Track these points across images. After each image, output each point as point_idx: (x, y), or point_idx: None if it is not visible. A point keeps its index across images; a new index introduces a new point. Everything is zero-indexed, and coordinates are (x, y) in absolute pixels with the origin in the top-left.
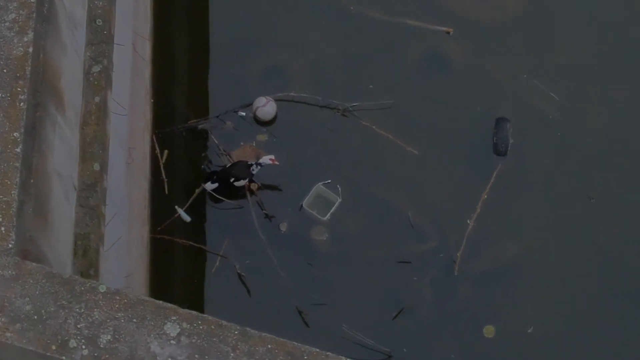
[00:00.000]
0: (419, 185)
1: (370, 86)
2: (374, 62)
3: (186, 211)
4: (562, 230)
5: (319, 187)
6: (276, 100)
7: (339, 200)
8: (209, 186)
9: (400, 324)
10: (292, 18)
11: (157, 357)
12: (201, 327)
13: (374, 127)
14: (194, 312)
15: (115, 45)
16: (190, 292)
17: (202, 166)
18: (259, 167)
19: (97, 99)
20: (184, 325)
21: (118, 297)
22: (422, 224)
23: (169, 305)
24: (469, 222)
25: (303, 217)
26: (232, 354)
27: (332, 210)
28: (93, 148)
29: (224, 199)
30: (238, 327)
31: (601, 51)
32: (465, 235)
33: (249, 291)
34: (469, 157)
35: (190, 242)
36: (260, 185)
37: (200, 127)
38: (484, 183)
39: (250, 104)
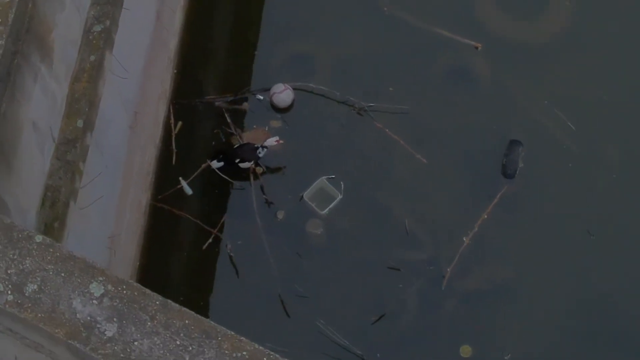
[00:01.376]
0: (421, 194)
1: (390, 89)
2: (398, 66)
3: (189, 184)
4: (557, 262)
5: (322, 181)
6: (295, 89)
7: (340, 196)
8: (215, 164)
9: (379, 329)
10: (326, 10)
11: (77, 314)
12: (125, 292)
13: (387, 130)
14: (120, 277)
15: (124, 10)
16: (178, 263)
17: (213, 142)
18: (265, 149)
19: (92, 57)
20: (109, 287)
21: (51, 250)
22: (417, 234)
23: (99, 266)
24: (465, 239)
25: (302, 208)
26: (149, 323)
27: (331, 206)
28: (79, 105)
29: (227, 178)
30: (160, 298)
31: (627, 90)
32: (459, 252)
33: (237, 272)
34: (476, 174)
35: (188, 215)
36: (264, 169)
37: (217, 104)
38: (486, 203)
39: (269, 89)
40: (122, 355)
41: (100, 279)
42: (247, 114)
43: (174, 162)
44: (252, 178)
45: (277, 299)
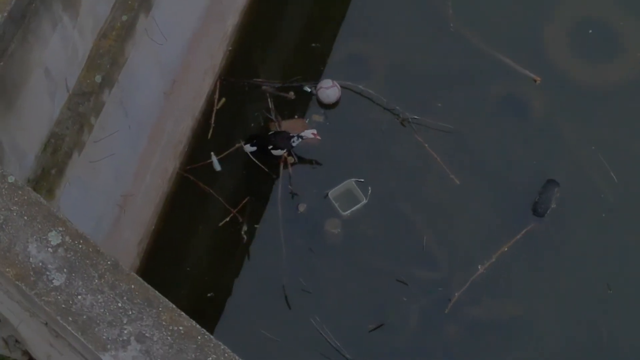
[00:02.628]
0: (446, 214)
1: (439, 105)
2: (451, 83)
3: (220, 161)
4: (567, 309)
5: (350, 183)
6: (343, 88)
7: (365, 201)
8: (248, 148)
9: (374, 338)
10: (393, 16)
11: (30, 258)
12: (80, 246)
13: (426, 144)
14: (80, 231)
15: None
16: (193, 234)
17: (252, 124)
18: (299, 139)
19: (124, 17)
20: (67, 239)
21: (20, 192)
22: (434, 252)
23: (62, 216)
24: (479, 267)
25: (324, 206)
26: (96, 281)
27: (354, 208)
28: (102, 60)
29: (258, 162)
30: (112, 259)
31: None
32: (471, 279)
33: (248, 255)
34: (506, 206)
35: (211, 190)
36: (295, 160)
37: (264, 87)
38: (509, 236)
39: (317, 83)
40: (63, 305)
41: (60, 229)
42: (292, 103)
43: (209, 136)
44: (282, 166)
45: (281, 289)
